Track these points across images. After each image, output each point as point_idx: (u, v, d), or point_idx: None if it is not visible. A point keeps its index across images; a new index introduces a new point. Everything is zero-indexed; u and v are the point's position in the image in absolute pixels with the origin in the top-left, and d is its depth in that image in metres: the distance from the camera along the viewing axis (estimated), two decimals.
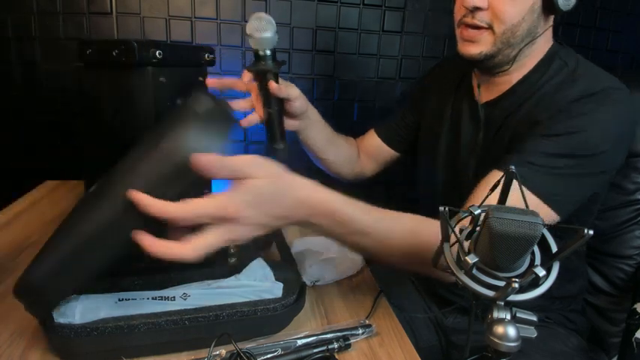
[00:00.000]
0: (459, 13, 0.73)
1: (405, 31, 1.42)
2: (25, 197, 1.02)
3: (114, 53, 0.84)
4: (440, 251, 0.44)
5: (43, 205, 0.98)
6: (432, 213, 0.48)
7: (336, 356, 0.54)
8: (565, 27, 1.51)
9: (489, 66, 0.75)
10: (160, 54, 0.85)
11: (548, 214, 0.64)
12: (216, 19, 1.30)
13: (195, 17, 1.28)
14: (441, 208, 0.41)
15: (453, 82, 0.89)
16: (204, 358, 0.50)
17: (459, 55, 0.75)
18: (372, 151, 1.01)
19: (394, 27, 1.41)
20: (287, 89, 0.75)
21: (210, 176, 0.49)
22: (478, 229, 0.44)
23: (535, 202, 0.63)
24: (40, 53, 1.25)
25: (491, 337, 0.42)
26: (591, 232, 0.37)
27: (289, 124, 0.81)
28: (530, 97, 0.73)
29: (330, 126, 0.93)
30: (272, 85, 0.72)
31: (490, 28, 0.70)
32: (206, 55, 0.97)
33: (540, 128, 0.67)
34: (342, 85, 1.44)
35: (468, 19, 0.70)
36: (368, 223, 0.56)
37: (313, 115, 0.85)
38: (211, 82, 0.76)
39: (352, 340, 0.56)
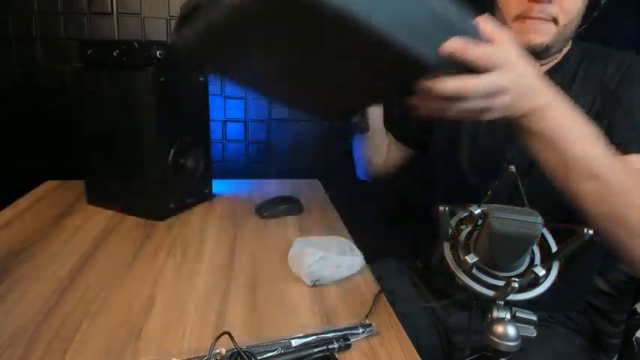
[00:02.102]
0: (518, 7, 0.72)
1: None
2: (25, 197, 1.02)
3: (115, 53, 0.84)
4: (440, 251, 0.44)
5: (43, 205, 0.98)
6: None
7: (337, 356, 0.54)
8: None
9: (541, 57, 0.76)
10: (160, 54, 0.86)
11: None
12: None
13: None
14: (441, 208, 0.41)
15: None
16: (205, 356, 0.50)
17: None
18: (390, 146, 1.00)
19: None
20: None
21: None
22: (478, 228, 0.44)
23: None
24: (40, 53, 1.25)
25: (491, 337, 0.42)
26: (591, 231, 0.37)
27: None
28: (572, 83, 0.76)
29: None
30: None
31: (554, 20, 0.70)
32: None
33: (616, 95, 0.72)
34: None
35: (535, 13, 0.70)
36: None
37: None
38: None
39: (352, 340, 0.56)
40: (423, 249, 0.97)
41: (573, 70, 0.78)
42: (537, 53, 0.73)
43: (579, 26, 0.76)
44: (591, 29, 0.78)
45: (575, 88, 0.76)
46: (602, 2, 0.74)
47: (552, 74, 0.78)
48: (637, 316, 0.79)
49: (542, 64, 0.78)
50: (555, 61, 0.78)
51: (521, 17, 0.71)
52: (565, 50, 0.79)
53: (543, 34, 0.71)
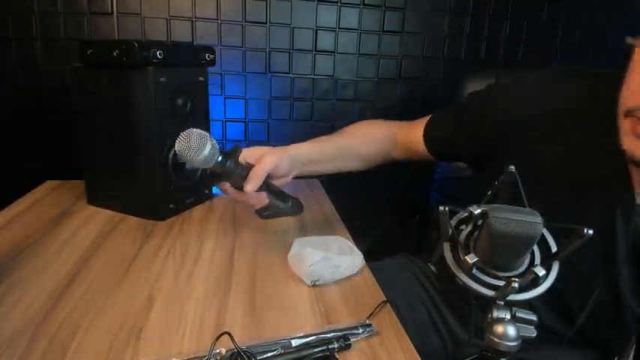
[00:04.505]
0: (632, 100, 0.55)
1: (405, 31, 1.42)
2: (25, 197, 1.02)
3: (115, 53, 0.85)
4: (440, 250, 0.44)
5: (43, 205, 0.98)
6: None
7: (337, 356, 0.54)
8: (566, 27, 1.51)
9: None
10: (160, 54, 0.86)
11: None
12: (217, 19, 1.30)
13: (195, 17, 1.29)
14: (441, 208, 0.41)
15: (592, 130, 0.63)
16: (205, 357, 0.50)
17: (622, 150, 0.57)
18: (414, 149, 0.88)
19: (394, 27, 1.41)
20: (262, 169, 0.66)
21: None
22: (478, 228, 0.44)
23: None
24: (40, 53, 1.25)
25: (491, 337, 0.42)
26: (590, 231, 0.37)
27: (282, 181, 0.74)
28: None
29: (329, 141, 0.84)
30: (247, 187, 0.65)
31: None
32: (206, 55, 0.98)
33: None
34: (342, 85, 1.44)
35: None
36: None
37: (300, 157, 0.77)
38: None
39: (352, 340, 0.56)
40: (428, 250, 0.96)
41: None
42: None
43: None
44: None
45: None
46: None
47: None
48: None
49: None
50: None
51: (632, 115, 0.55)
52: None
53: None
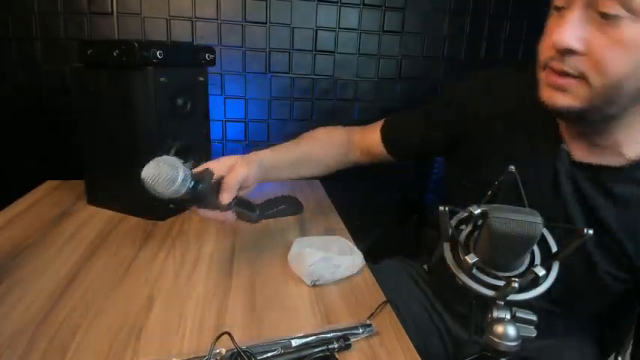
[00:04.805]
0: (545, 53, 0.58)
1: (405, 31, 1.42)
2: (25, 197, 1.02)
3: (115, 53, 0.85)
4: (440, 250, 0.44)
5: (43, 205, 0.98)
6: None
7: (337, 356, 0.54)
8: None
9: (581, 122, 0.61)
10: (160, 54, 0.86)
11: None
12: (217, 19, 1.30)
13: (195, 17, 1.29)
14: (441, 208, 0.41)
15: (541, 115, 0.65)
16: (205, 357, 0.50)
17: (542, 102, 0.60)
18: (373, 152, 0.91)
19: (394, 27, 1.41)
20: (235, 179, 0.65)
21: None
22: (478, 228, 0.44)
23: None
24: (40, 53, 1.25)
25: (491, 337, 0.42)
26: (590, 231, 0.37)
27: (246, 191, 0.73)
28: None
29: (289, 148, 0.85)
30: (224, 198, 0.63)
31: (584, 78, 0.54)
32: (206, 55, 0.98)
33: None
34: (342, 85, 1.44)
35: (555, 64, 0.55)
36: None
37: (265, 164, 0.76)
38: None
39: (352, 340, 0.56)
40: (427, 250, 0.96)
41: None
42: (565, 116, 0.60)
43: None
44: None
45: None
46: None
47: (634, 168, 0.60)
48: None
49: (607, 132, 0.60)
50: None
51: (546, 66, 0.58)
52: None
53: (569, 95, 0.55)
